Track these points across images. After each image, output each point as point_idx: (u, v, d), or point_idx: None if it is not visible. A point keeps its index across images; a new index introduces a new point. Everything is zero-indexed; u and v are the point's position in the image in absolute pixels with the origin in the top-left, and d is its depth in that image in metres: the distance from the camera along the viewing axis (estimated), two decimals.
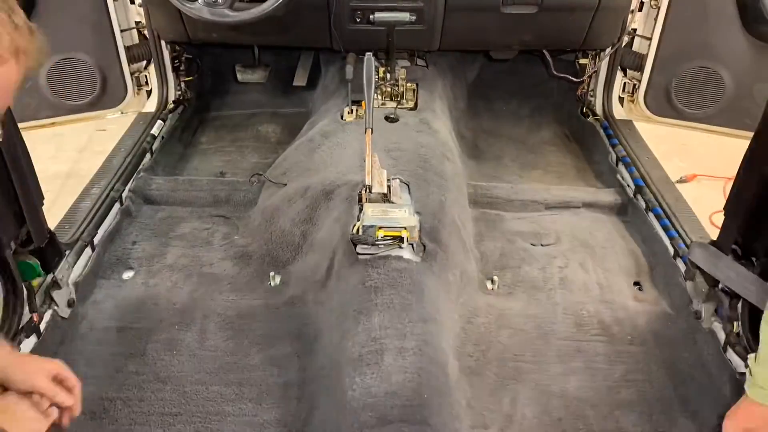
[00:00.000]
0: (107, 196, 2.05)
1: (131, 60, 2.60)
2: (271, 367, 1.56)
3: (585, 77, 2.80)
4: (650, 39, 2.51)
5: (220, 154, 2.64)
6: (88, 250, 1.85)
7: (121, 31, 2.52)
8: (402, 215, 1.66)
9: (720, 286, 1.64)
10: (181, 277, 1.85)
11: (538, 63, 2.88)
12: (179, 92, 2.84)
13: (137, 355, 1.59)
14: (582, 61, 2.83)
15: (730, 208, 1.57)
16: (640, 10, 2.56)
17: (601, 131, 2.64)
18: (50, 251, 1.60)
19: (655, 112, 2.60)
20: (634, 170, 2.28)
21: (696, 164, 3.15)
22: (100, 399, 1.47)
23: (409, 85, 2.55)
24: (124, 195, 2.14)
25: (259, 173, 2.24)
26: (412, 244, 1.66)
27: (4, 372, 1.15)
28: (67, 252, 1.71)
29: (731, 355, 1.54)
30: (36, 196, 1.49)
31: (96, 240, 1.90)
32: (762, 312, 1.51)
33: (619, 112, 2.71)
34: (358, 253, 1.66)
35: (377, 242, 1.65)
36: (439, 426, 1.27)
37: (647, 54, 2.53)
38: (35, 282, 1.58)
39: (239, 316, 1.72)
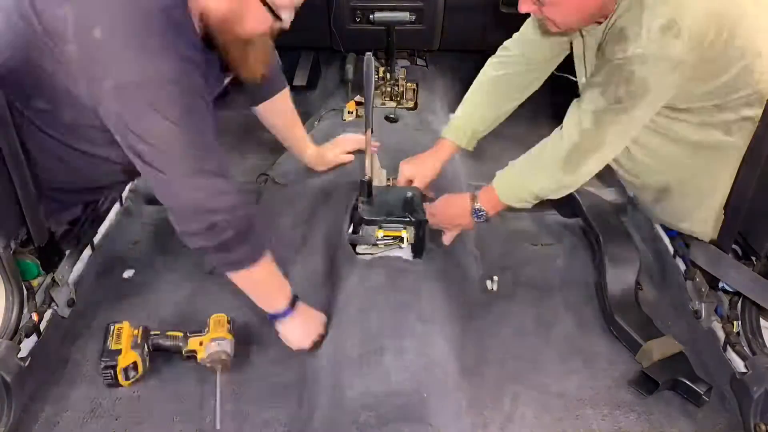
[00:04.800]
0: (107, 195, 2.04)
1: None
2: (271, 367, 1.56)
3: None
4: None
5: None
6: (88, 250, 1.85)
7: None
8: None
9: (720, 285, 1.64)
10: (182, 276, 1.85)
11: None
12: None
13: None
14: None
15: (730, 208, 1.57)
16: None
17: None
18: (50, 251, 1.60)
19: None
20: None
21: None
22: (101, 398, 1.47)
23: (409, 85, 2.55)
24: (124, 195, 2.14)
25: (266, 174, 2.23)
26: (412, 244, 1.66)
27: None
28: (67, 252, 1.71)
29: (731, 354, 1.54)
30: (36, 196, 1.48)
31: (96, 240, 1.90)
32: (764, 311, 1.52)
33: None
34: (358, 253, 1.66)
35: (377, 242, 1.65)
36: (439, 425, 1.27)
37: None
38: (35, 282, 1.58)
39: (239, 315, 1.72)
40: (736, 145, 1.50)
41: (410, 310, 1.50)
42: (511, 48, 1.86)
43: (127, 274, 1.87)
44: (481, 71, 1.92)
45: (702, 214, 1.64)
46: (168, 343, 1.55)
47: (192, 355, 1.54)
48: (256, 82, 1.51)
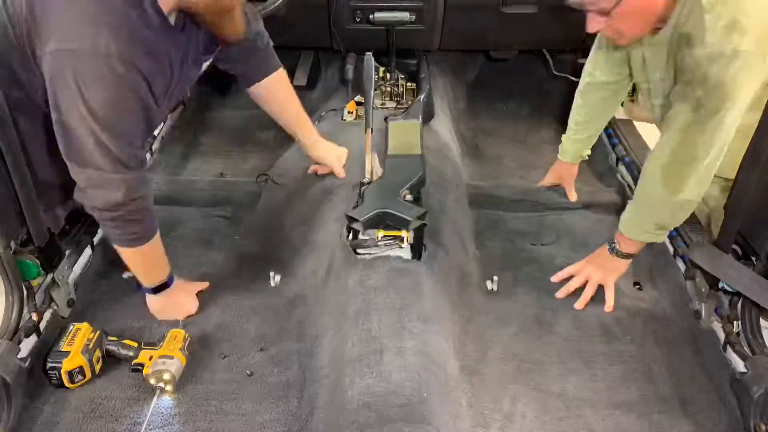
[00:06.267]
0: None
1: None
2: (272, 367, 1.56)
3: None
4: None
5: (220, 155, 2.64)
6: (88, 250, 1.85)
7: None
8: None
9: (720, 285, 1.64)
10: (182, 276, 1.85)
11: (538, 63, 2.88)
12: None
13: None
14: (582, 60, 2.82)
15: (730, 208, 1.57)
16: None
17: (602, 131, 2.63)
18: (50, 251, 1.60)
19: None
20: (634, 170, 2.28)
21: None
22: (100, 398, 1.47)
23: (409, 85, 2.55)
24: None
25: (266, 174, 2.24)
26: (411, 244, 1.66)
27: None
28: (67, 252, 1.71)
29: (731, 354, 1.54)
30: (36, 196, 1.49)
31: (96, 240, 1.90)
32: (764, 311, 1.52)
33: (619, 111, 2.71)
34: (358, 253, 1.66)
35: (378, 243, 1.65)
36: (439, 425, 1.27)
37: None
38: (35, 282, 1.58)
39: (239, 315, 1.72)
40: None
41: (410, 310, 1.50)
42: (591, 76, 1.94)
43: (127, 274, 1.86)
44: (575, 99, 2.03)
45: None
46: (121, 351, 1.53)
47: (138, 369, 1.50)
48: (240, 40, 1.54)
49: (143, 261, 1.59)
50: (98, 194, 1.39)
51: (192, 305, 1.71)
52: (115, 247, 1.52)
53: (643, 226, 1.67)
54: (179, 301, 1.70)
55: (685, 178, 1.52)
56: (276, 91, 1.89)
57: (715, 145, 1.47)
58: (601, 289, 1.79)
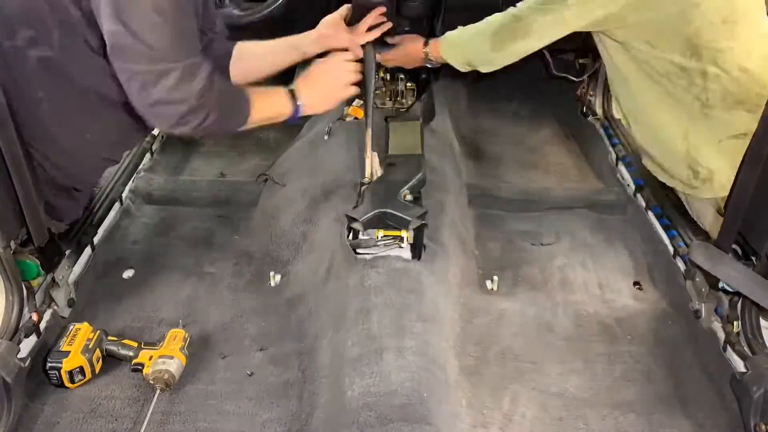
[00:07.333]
0: (107, 195, 2.05)
1: None
2: (271, 367, 1.56)
3: (585, 77, 2.79)
4: None
5: (220, 155, 2.64)
6: (88, 250, 1.85)
7: None
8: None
9: (720, 285, 1.64)
10: (181, 276, 1.85)
11: (538, 63, 2.87)
12: None
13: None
14: (582, 60, 2.82)
15: (730, 207, 1.57)
16: None
17: (601, 131, 2.63)
18: (50, 251, 1.60)
19: None
20: (634, 170, 2.28)
21: None
22: (100, 398, 1.47)
23: (409, 85, 2.55)
24: (124, 195, 2.14)
25: (266, 174, 2.24)
26: (411, 244, 1.66)
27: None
28: (67, 252, 1.71)
29: (731, 354, 1.54)
30: (36, 196, 1.48)
31: (96, 240, 1.90)
32: (764, 311, 1.52)
33: (619, 111, 2.70)
34: (358, 253, 1.66)
35: (378, 243, 1.65)
36: (439, 425, 1.27)
37: None
38: (35, 282, 1.58)
39: (239, 315, 1.72)
40: (675, 94, 1.68)
41: (410, 310, 1.50)
42: None
43: (127, 274, 1.87)
44: None
45: (670, 166, 1.81)
46: (121, 351, 1.53)
47: (138, 369, 1.50)
48: None
49: (261, 109, 1.50)
50: (187, 89, 1.29)
51: (346, 74, 1.67)
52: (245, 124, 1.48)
53: (459, 55, 1.87)
54: (327, 86, 1.65)
55: (510, 45, 1.75)
56: (248, 48, 1.78)
57: (549, 33, 1.69)
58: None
